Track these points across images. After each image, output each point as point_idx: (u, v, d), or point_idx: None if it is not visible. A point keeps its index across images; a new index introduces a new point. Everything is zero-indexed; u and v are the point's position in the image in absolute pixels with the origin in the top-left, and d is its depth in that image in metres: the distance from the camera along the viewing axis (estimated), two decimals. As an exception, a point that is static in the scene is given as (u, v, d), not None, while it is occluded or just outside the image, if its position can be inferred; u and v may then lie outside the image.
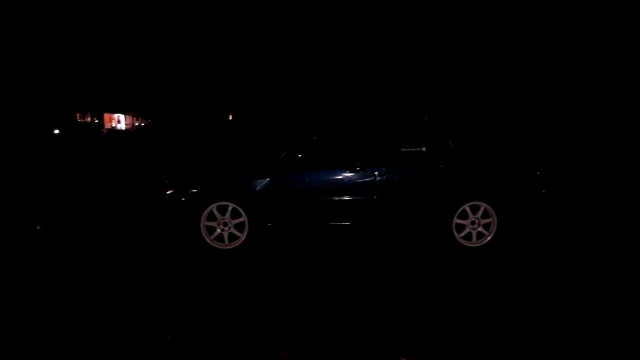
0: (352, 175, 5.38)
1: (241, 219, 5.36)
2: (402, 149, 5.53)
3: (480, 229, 5.51)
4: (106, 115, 47.56)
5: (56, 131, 32.57)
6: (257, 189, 5.32)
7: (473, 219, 5.49)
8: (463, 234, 5.51)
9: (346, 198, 5.39)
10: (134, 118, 46.39)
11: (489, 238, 5.50)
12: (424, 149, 5.53)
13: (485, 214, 5.50)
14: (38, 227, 6.35)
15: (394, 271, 4.77)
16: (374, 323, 3.58)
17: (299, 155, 5.40)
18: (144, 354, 3.12)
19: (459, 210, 5.47)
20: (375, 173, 5.38)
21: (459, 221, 5.49)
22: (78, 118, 44.18)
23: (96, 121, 45.71)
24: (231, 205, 5.34)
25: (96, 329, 3.47)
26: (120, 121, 48.62)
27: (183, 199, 5.33)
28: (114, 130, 43.14)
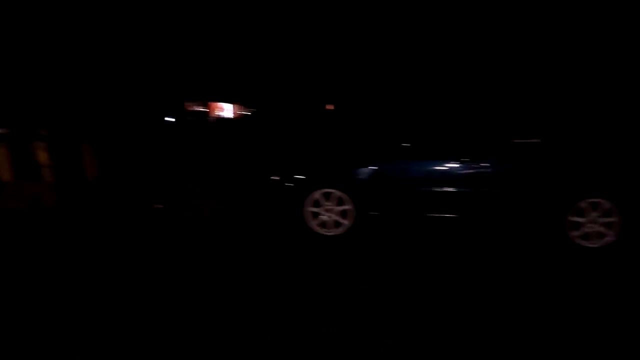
0: (460, 167, 5.23)
1: (345, 207, 5.42)
2: (514, 140, 5.27)
3: (599, 228, 5.11)
4: (212, 105, 50.31)
5: (170, 119, 35.03)
6: (363, 177, 5.35)
7: (592, 216, 5.10)
8: (579, 232, 5.15)
9: (453, 190, 5.25)
10: (239, 107, 48.53)
11: (610, 239, 5.09)
12: (537, 140, 5.23)
13: (606, 212, 5.08)
14: (158, 206, 6.90)
15: (501, 267, 4.57)
16: (479, 319, 3.47)
17: (407, 145, 5.35)
18: (246, 334, 3.28)
19: (575, 207, 5.11)
20: (485, 165, 5.18)
21: (574, 218, 5.13)
22: (187, 107, 47.21)
23: (204, 110, 48.54)
24: (336, 193, 5.42)
25: (208, 303, 3.71)
26: (225, 110, 51.19)
27: (289, 184, 5.51)
28: (219, 118, 45.48)
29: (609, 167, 5.11)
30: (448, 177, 5.28)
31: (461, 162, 5.22)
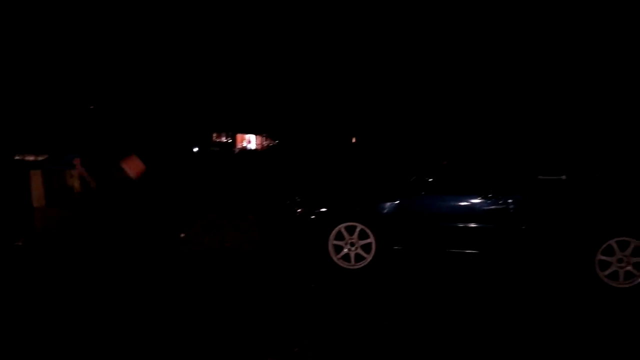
0: (484, 202, 5.21)
1: (368, 240, 5.43)
2: (539, 177, 5.25)
3: (629, 268, 4.99)
4: (238, 136, 51.26)
5: (195, 149, 35.84)
6: (386, 211, 5.37)
7: (620, 256, 4.99)
8: (608, 272, 5.02)
9: (477, 225, 5.21)
10: (263, 138, 49.32)
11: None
12: (564, 177, 5.19)
13: (636, 251, 4.97)
14: (182, 235, 7.01)
15: (527, 308, 4.49)
16: None
17: (430, 180, 5.36)
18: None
19: (604, 246, 5.02)
20: (509, 201, 5.16)
21: (603, 258, 5.03)
22: (214, 138, 48.21)
23: (230, 141, 49.46)
24: (359, 226, 5.43)
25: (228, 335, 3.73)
26: (250, 141, 52.07)
27: (313, 217, 5.55)
28: (244, 149, 46.26)
29: (638, 204, 5.03)
30: (471, 213, 5.26)
31: (484, 198, 5.21)
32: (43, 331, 3.72)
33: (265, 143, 49.80)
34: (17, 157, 8.49)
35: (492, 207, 5.18)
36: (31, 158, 8.18)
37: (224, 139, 50.26)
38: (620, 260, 4.98)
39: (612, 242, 4.99)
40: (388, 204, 5.36)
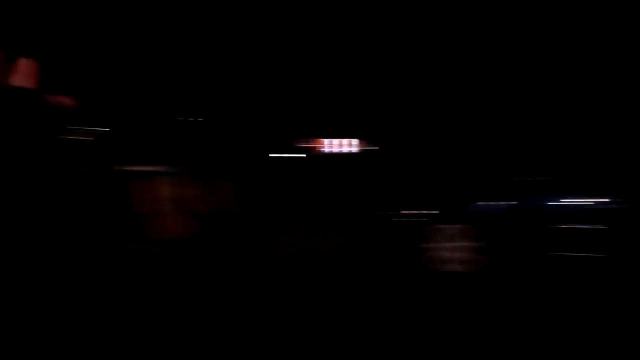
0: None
1: (470, 242, 5.23)
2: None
3: None
4: (326, 141, 51.82)
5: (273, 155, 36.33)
6: (494, 213, 5.16)
7: None
8: None
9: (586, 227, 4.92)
10: (358, 142, 49.43)
11: None
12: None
13: None
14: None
15: None
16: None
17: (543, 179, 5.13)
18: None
19: None
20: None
21: None
22: (300, 143, 49.07)
23: (316, 146, 50.12)
24: (459, 228, 5.26)
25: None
26: (342, 145, 52.44)
27: (409, 219, 5.46)
28: (336, 154, 46.53)
29: None
30: (578, 216, 4.94)
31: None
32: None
33: (361, 147, 49.89)
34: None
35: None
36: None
37: (308, 144, 50.95)
38: None
39: None
40: (496, 204, 5.16)
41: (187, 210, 7.49)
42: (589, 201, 4.91)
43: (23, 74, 1.63)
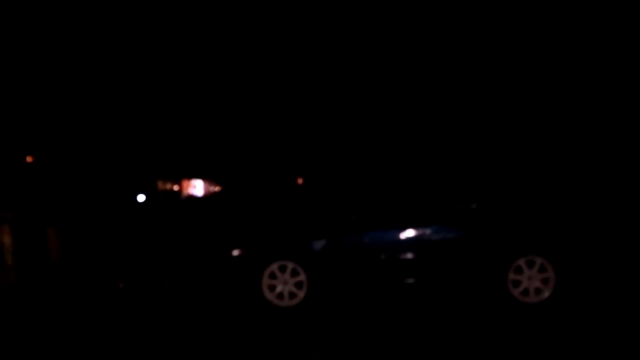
0: (407, 234, 5.60)
1: (300, 278, 5.67)
2: (454, 207, 5.72)
3: (537, 284, 5.46)
4: (184, 182, 50.55)
5: (141, 197, 35.01)
6: (316, 248, 5.66)
7: (529, 274, 5.46)
8: (520, 289, 5.48)
9: (402, 256, 5.59)
10: (210, 184, 48.87)
11: (547, 294, 5.43)
12: (474, 205, 5.69)
13: (542, 269, 5.46)
14: (121, 285, 7.02)
15: (448, 329, 4.82)
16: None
17: (355, 217, 5.74)
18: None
19: (514, 265, 5.48)
20: (429, 231, 5.57)
21: (514, 276, 5.49)
22: (160, 185, 47.29)
23: (176, 188, 48.66)
24: (291, 264, 5.68)
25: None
26: (196, 187, 51.41)
27: (248, 259, 5.76)
28: (191, 196, 45.58)
29: (539, 225, 5.58)
30: (396, 245, 5.65)
31: (407, 230, 5.61)
32: None
33: (211, 189, 49.39)
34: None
35: (415, 238, 5.59)
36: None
37: (169, 186, 49.41)
38: (529, 278, 5.47)
39: (521, 261, 5.48)
40: (318, 241, 5.66)
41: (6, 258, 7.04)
42: (401, 232, 5.59)
43: None
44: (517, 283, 5.48)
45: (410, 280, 5.59)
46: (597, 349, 4.05)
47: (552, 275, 5.41)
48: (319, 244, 5.65)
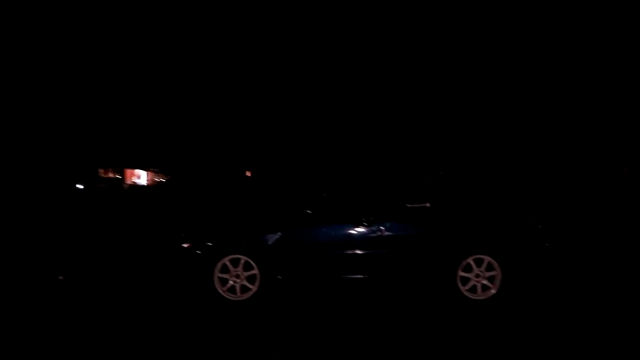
0: (359, 230, 5.63)
1: (253, 272, 5.60)
2: (407, 205, 5.80)
3: (484, 281, 5.65)
4: (127, 171, 48.85)
5: (79, 186, 33.56)
6: (268, 242, 5.59)
7: (477, 271, 5.64)
8: (468, 286, 5.65)
9: (353, 252, 5.61)
10: (154, 174, 47.53)
11: (493, 291, 5.63)
12: (428, 204, 5.79)
13: (490, 267, 5.65)
14: (60, 278, 6.66)
15: (398, 324, 4.91)
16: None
17: (309, 211, 5.70)
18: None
19: (464, 264, 5.64)
20: (382, 228, 5.63)
21: (463, 274, 5.65)
22: (101, 174, 45.46)
23: (118, 177, 46.93)
24: (243, 258, 5.59)
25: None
26: (140, 177, 49.82)
27: (198, 251, 5.62)
28: (134, 185, 44.19)
29: (488, 226, 5.76)
30: (348, 241, 5.65)
31: (359, 226, 5.63)
32: None
33: (156, 179, 48.03)
34: None
35: (367, 234, 5.62)
36: None
37: (111, 175, 47.62)
38: (477, 276, 5.64)
39: (470, 259, 5.65)
40: (270, 235, 5.59)
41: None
42: (353, 228, 5.62)
43: None
44: (465, 280, 5.65)
45: (363, 275, 5.64)
46: (535, 342, 4.34)
47: (499, 273, 5.62)
48: (272, 238, 5.58)
